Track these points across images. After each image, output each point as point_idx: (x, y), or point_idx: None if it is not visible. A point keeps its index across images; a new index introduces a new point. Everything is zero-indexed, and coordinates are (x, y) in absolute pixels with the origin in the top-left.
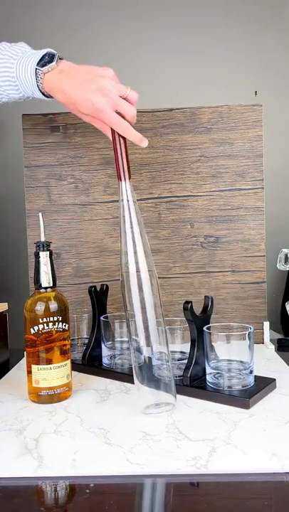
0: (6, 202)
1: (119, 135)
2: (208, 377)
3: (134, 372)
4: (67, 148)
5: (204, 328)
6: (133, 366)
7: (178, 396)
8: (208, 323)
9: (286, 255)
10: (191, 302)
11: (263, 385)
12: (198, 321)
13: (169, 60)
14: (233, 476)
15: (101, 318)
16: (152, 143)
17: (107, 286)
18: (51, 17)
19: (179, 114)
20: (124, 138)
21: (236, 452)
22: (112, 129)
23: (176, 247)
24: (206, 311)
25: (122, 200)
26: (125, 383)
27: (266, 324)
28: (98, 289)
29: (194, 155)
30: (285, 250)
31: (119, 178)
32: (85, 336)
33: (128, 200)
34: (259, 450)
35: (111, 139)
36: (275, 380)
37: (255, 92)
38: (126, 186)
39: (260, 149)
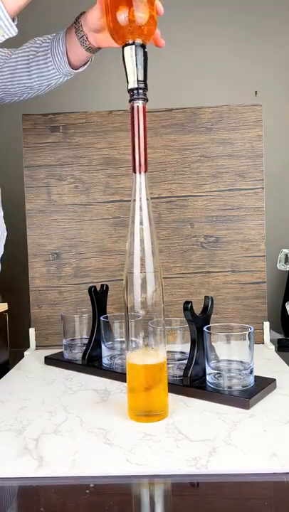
0: (6, 202)
1: (138, 122)
2: (208, 378)
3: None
4: (67, 148)
5: (204, 329)
6: (127, 369)
7: (178, 396)
8: (208, 324)
9: (286, 255)
10: (191, 302)
11: (263, 385)
12: (198, 321)
13: (170, 60)
14: (233, 476)
15: (101, 318)
16: (152, 143)
17: (107, 286)
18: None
19: (179, 114)
20: (144, 127)
21: (236, 452)
22: (131, 114)
23: (176, 247)
24: (206, 311)
25: (135, 195)
26: (125, 383)
27: (266, 324)
28: (98, 289)
29: (194, 155)
30: (285, 250)
31: (134, 171)
32: (85, 336)
33: (140, 198)
34: (259, 450)
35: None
36: (275, 380)
37: (255, 92)
38: (141, 179)
39: (260, 149)
